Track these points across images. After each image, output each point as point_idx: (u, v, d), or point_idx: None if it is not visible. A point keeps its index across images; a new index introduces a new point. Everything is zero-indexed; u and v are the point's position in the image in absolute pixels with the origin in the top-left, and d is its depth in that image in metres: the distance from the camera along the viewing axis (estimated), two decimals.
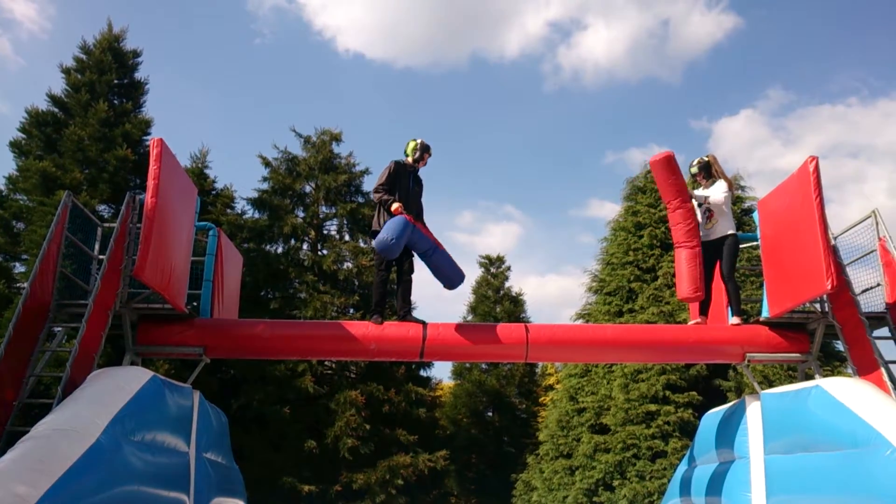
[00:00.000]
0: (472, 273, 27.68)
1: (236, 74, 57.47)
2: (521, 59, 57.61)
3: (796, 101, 58.37)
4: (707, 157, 8.23)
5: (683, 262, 7.62)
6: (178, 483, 6.75)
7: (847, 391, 6.03)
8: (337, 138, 21.53)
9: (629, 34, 58.85)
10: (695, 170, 8.29)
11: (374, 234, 7.47)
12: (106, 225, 7.65)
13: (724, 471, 7.60)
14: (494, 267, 27.68)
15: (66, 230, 6.82)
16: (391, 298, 8.26)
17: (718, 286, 8.41)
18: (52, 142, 16.51)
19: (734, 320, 7.82)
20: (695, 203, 8.08)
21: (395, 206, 7.36)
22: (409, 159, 7.90)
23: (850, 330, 7.05)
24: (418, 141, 7.92)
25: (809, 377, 7.50)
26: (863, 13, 53.99)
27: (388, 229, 7.13)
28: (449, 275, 7.76)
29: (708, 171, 8.16)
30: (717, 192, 7.93)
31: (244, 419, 16.87)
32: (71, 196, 6.95)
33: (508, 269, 27.72)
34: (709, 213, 8.00)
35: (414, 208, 7.75)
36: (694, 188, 8.43)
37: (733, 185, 8.00)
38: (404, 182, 7.73)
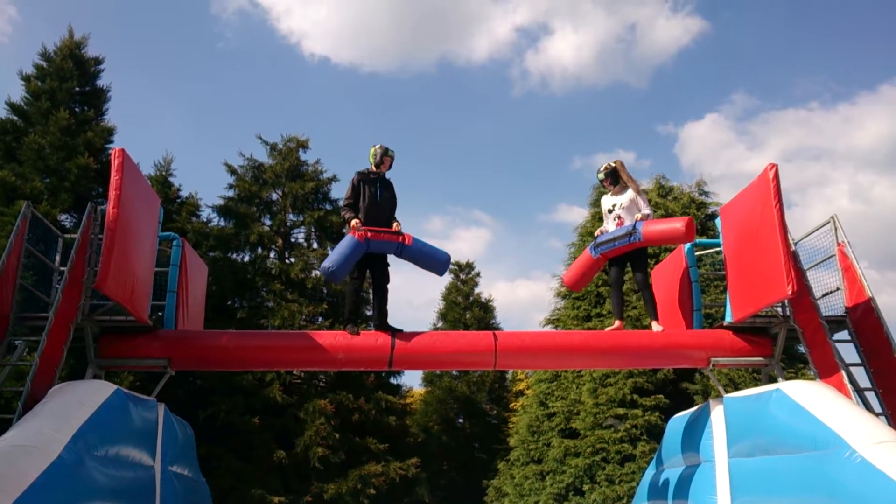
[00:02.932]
0: (442, 279, 27.70)
1: (200, 80, 56.94)
2: (490, 63, 57.90)
3: (760, 105, 59.43)
4: (614, 162, 8.34)
5: (586, 265, 8.38)
6: (143, 498, 6.65)
7: (807, 394, 6.14)
8: (304, 145, 21.42)
9: (597, 39, 59.47)
10: (601, 176, 8.41)
11: None
12: (67, 236, 7.54)
13: (690, 474, 7.69)
14: (464, 273, 27.71)
15: (25, 241, 6.71)
16: (366, 307, 8.29)
17: (672, 293, 8.58)
18: (12, 150, 16.18)
19: (656, 326, 7.99)
20: (604, 209, 8.37)
21: (352, 222, 7.46)
22: (373, 166, 7.94)
23: (811, 333, 7.20)
24: (378, 146, 7.97)
25: (773, 380, 7.63)
26: (822, 17, 55.20)
27: (330, 257, 7.24)
28: (429, 263, 7.78)
29: (615, 177, 8.29)
30: (643, 206, 8.13)
31: (211, 430, 16.65)
32: (31, 207, 6.84)
33: (478, 275, 27.80)
34: (618, 219, 8.16)
35: (385, 213, 7.78)
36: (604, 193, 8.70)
37: (641, 191, 8.22)
38: (370, 190, 7.76)
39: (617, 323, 8.23)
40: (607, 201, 8.36)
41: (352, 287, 7.79)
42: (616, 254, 8.12)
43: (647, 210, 8.11)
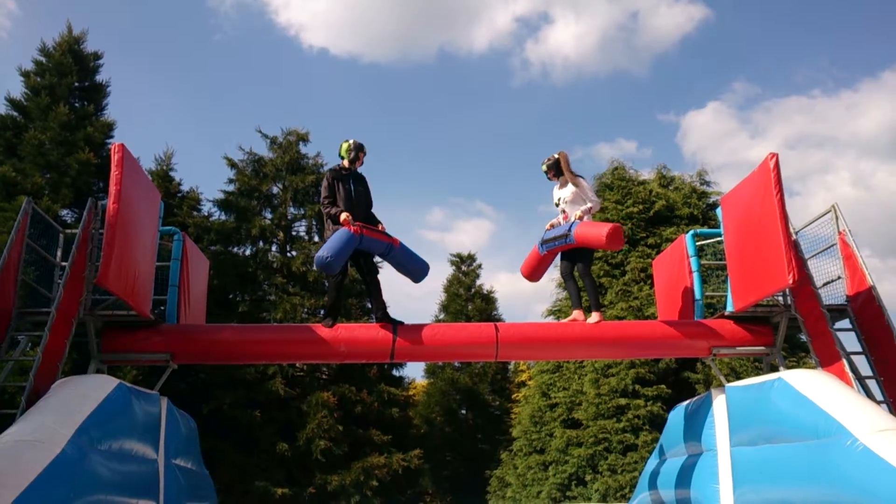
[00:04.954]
0: (444, 271, 27.75)
1: (199, 74, 56.89)
2: (490, 53, 57.74)
3: (762, 93, 59.27)
4: (557, 154, 8.23)
5: (536, 260, 8.33)
6: (147, 491, 6.67)
7: (808, 383, 6.15)
8: (304, 138, 21.42)
9: (598, 27, 59.25)
10: (544, 168, 8.30)
11: None
12: (68, 231, 7.55)
13: (692, 463, 7.71)
14: (465, 265, 27.75)
15: (27, 237, 6.71)
16: (363, 299, 8.26)
17: (673, 283, 8.57)
18: (12, 146, 16.20)
19: (594, 317, 7.83)
20: (553, 202, 8.26)
21: (342, 216, 7.31)
22: (345, 161, 7.86)
23: (812, 322, 7.21)
24: (351, 141, 7.87)
25: (774, 369, 7.64)
26: (824, 4, 55.03)
27: (326, 246, 7.09)
28: (411, 269, 7.76)
29: (557, 169, 8.20)
30: (589, 196, 7.95)
31: (214, 423, 16.71)
32: (31, 202, 6.84)
33: (479, 266, 27.85)
34: (563, 213, 8.11)
35: (361, 208, 7.69)
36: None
37: (583, 184, 8.07)
38: (345, 187, 7.67)
39: (575, 312, 8.12)
40: (555, 194, 8.26)
41: (335, 281, 7.76)
42: (560, 250, 8.09)
43: (589, 203, 7.88)
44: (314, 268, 7.48)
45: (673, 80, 58.18)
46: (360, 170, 7.95)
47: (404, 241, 7.67)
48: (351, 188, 7.71)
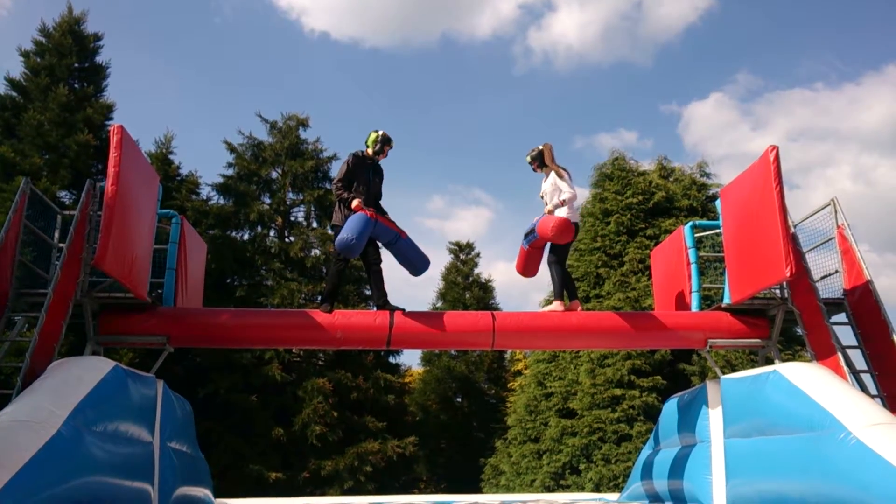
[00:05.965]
0: (442, 259, 27.74)
1: (199, 57, 56.53)
2: (493, 40, 57.30)
3: (764, 85, 58.93)
4: (542, 146, 8.19)
5: (524, 256, 8.22)
6: (142, 473, 6.69)
7: (803, 376, 6.17)
8: (304, 123, 21.38)
9: (602, 17, 58.76)
10: (528, 159, 8.27)
11: (335, 227, 7.52)
12: (66, 213, 7.53)
13: (685, 454, 7.75)
14: (464, 253, 27.70)
15: (24, 218, 6.70)
16: (361, 286, 8.25)
17: (671, 275, 8.56)
18: (11, 126, 16.17)
19: (553, 305, 7.86)
20: (541, 192, 8.21)
21: (354, 202, 7.36)
22: (370, 151, 7.86)
23: (809, 316, 7.22)
24: (380, 133, 7.86)
25: (770, 362, 7.66)
26: None
27: (348, 228, 7.16)
28: (413, 262, 7.80)
29: (541, 160, 8.17)
30: (565, 190, 7.78)
31: (210, 407, 16.76)
32: (30, 183, 6.82)
33: (478, 255, 27.78)
34: (546, 205, 8.09)
35: (373, 199, 7.73)
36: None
37: (563, 175, 7.95)
38: (364, 176, 7.69)
39: (572, 303, 8.15)
40: (541, 186, 8.24)
41: (336, 268, 7.81)
42: (536, 244, 8.07)
43: (565, 195, 7.73)
44: (336, 250, 7.44)
45: (676, 70, 57.82)
46: (381, 162, 7.98)
47: (406, 230, 7.73)
48: (369, 177, 7.75)
